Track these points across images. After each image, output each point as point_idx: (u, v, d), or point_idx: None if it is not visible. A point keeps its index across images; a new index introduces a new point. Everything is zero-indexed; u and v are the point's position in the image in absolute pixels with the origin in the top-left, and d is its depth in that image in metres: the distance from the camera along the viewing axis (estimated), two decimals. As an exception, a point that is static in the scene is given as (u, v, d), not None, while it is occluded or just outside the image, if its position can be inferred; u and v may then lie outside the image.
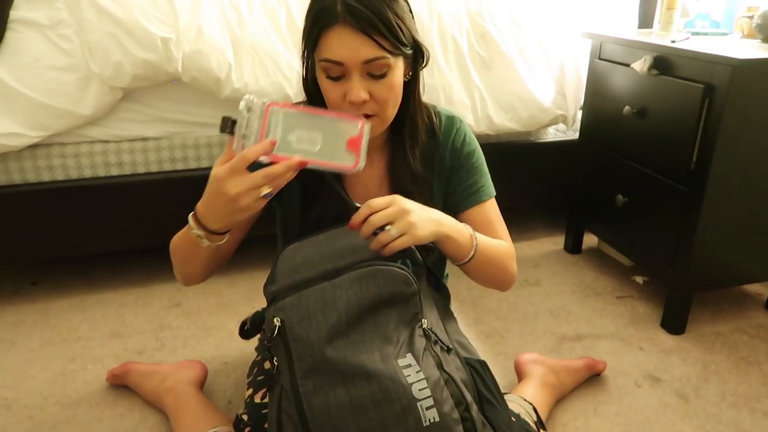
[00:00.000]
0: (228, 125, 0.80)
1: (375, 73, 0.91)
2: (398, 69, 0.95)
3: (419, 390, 0.77)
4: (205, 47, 1.58)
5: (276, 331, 0.82)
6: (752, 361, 1.49)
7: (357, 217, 0.86)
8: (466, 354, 0.95)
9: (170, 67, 1.56)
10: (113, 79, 1.54)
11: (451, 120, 1.12)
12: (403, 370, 0.79)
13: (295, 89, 1.65)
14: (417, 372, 0.79)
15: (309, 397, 0.78)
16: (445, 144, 1.10)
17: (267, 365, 1.09)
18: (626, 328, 1.62)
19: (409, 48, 0.95)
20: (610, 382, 1.41)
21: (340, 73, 0.91)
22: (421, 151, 1.07)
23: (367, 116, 0.95)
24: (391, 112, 0.98)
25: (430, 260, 1.03)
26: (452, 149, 1.11)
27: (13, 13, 1.55)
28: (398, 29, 0.91)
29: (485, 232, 1.12)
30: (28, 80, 1.51)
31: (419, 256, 0.94)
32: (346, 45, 0.88)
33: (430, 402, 0.77)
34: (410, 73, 1.00)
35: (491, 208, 1.14)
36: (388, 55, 0.91)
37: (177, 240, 1.02)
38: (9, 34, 1.54)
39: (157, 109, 1.65)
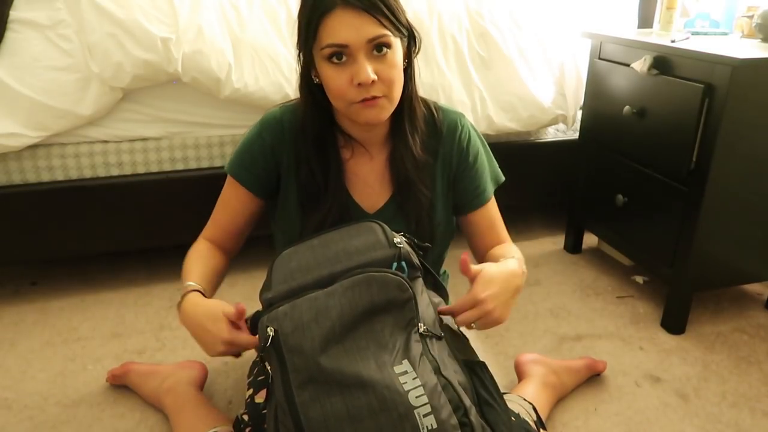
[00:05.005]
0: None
1: (379, 51, 0.92)
2: (398, 50, 0.96)
3: (416, 397, 0.77)
4: (205, 47, 1.58)
5: (269, 341, 0.81)
6: (752, 360, 1.49)
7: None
8: (464, 356, 0.94)
9: (170, 67, 1.56)
10: (113, 79, 1.54)
11: (455, 116, 1.12)
12: (400, 378, 0.78)
13: (294, 89, 1.64)
14: (413, 379, 0.78)
15: (305, 407, 0.77)
16: (451, 141, 1.11)
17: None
18: (626, 328, 1.62)
19: (405, 30, 0.97)
20: (610, 382, 1.41)
21: (344, 54, 0.92)
22: (422, 141, 1.07)
23: (377, 98, 0.95)
24: (398, 92, 0.98)
25: (429, 260, 1.03)
26: (458, 149, 1.11)
27: (13, 13, 1.55)
28: (395, 9, 0.93)
29: (490, 233, 1.15)
30: (28, 80, 1.51)
31: (416, 258, 0.94)
32: (349, 26, 0.90)
33: (428, 409, 0.76)
34: (405, 60, 1.01)
35: (493, 208, 1.16)
36: (390, 33, 0.92)
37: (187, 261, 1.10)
38: (9, 34, 1.54)
39: (157, 109, 1.65)
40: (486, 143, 1.17)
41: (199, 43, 1.58)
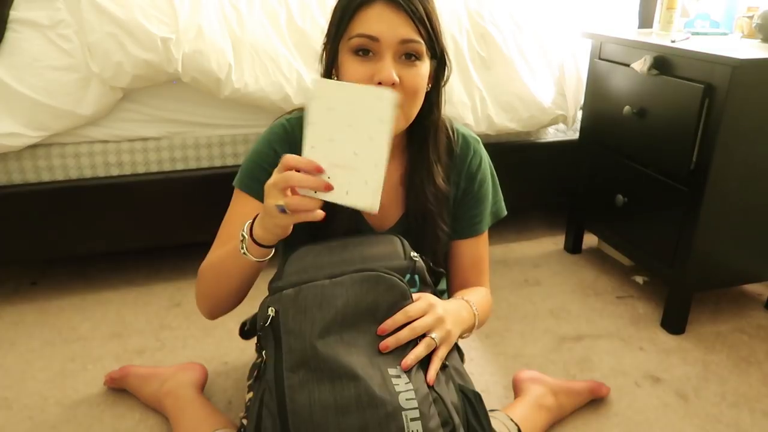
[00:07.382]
0: None
1: (408, 56, 0.90)
2: (426, 65, 0.94)
3: (406, 399, 0.76)
4: (205, 47, 1.58)
5: (268, 321, 0.81)
6: (752, 361, 1.49)
7: (391, 323, 0.83)
8: (461, 381, 0.92)
9: (170, 67, 1.56)
10: (113, 79, 1.54)
11: (471, 140, 1.10)
12: (393, 379, 0.78)
13: (294, 89, 1.65)
14: (406, 383, 0.78)
15: (293, 391, 0.76)
16: (462, 166, 1.08)
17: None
18: (626, 328, 1.62)
19: (437, 50, 0.95)
20: (610, 382, 1.40)
21: (371, 49, 0.89)
22: (445, 172, 1.05)
23: None
24: (415, 109, 0.96)
25: (438, 284, 1.02)
26: (468, 173, 1.09)
27: (13, 13, 1.55)
28: (435, 24, 0.92)
29: (472, 271, 1.13)
30: (28, 80, 1.51)
31: (429, 277, 0.94)
32: (385, 21, 0.88)
33: (416, 414, 0.75)
34: (431, 85, 0.99)
35: (483, 245, 1.14)
36: (423, 43, 0.91)
37: (214, 259, 1.00)
38: (9, 34, 1.54)
39: (157, 109, 1.65)
40: (495, 175, 1.14)
41: (199, 43, 1.58)
